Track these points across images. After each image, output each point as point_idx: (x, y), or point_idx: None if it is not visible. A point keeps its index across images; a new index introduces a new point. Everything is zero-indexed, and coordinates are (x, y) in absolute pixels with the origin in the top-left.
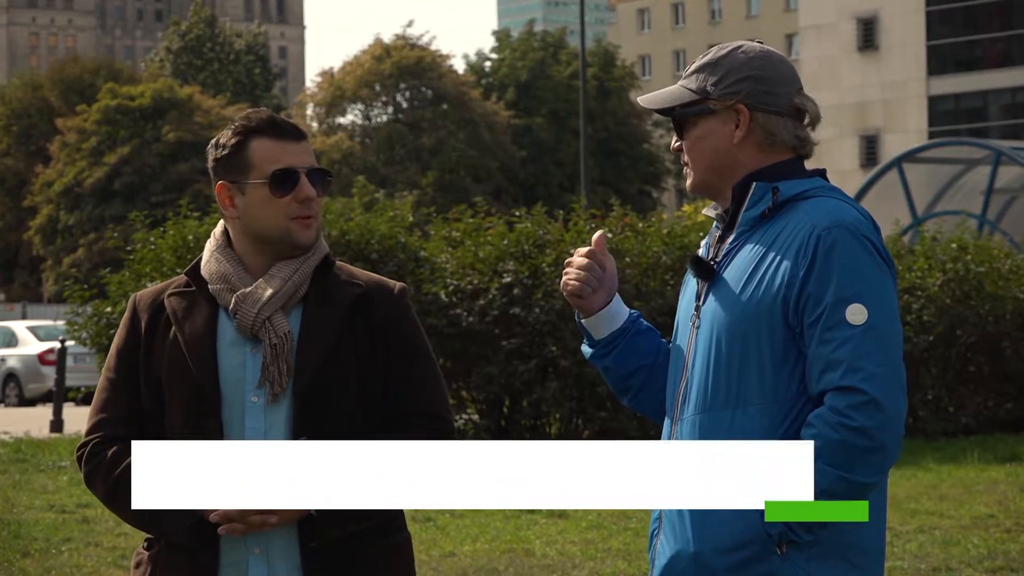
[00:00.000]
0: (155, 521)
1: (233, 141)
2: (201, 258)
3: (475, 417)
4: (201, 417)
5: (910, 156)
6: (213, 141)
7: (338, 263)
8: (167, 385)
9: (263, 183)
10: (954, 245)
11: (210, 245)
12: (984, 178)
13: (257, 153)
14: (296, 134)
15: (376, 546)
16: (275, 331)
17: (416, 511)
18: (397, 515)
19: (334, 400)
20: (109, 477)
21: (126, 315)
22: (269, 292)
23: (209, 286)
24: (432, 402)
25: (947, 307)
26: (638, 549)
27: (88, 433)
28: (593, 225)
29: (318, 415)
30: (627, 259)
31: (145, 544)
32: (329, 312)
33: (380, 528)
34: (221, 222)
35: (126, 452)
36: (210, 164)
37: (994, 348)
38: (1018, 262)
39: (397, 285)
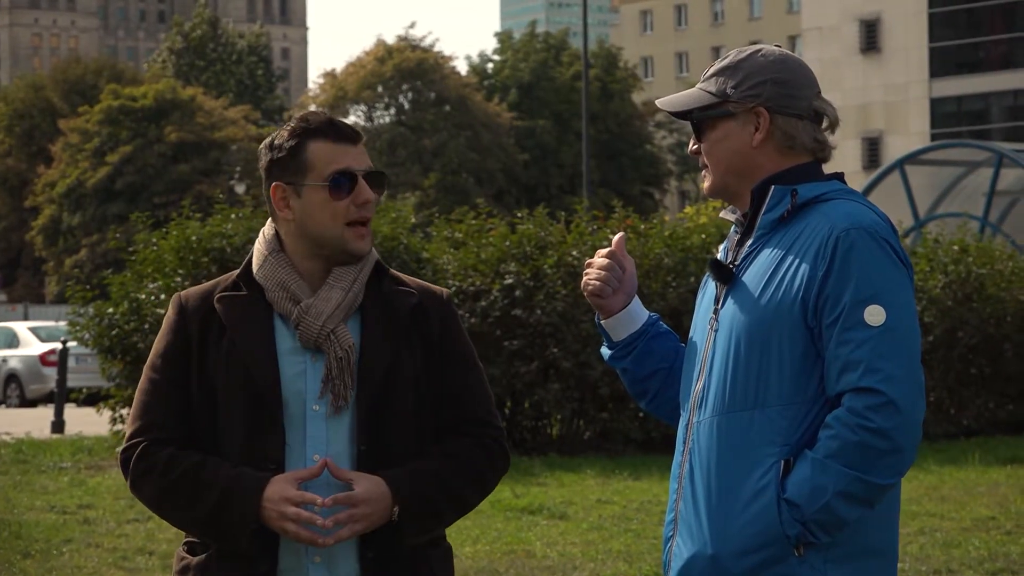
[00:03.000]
0: (213, 525)
1: (291, 143)
2: (251, 259)
3: None
4: (263, 424)
5: (912, 158)
6: (267, 142)
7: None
8: (224, 391)
9: (322, 185)
10: (956, 247)
11: (261, 248)
12: (986, 180)
13: (315, 155)
14: (354, 136)
15: (428, 555)
16: (340, 344)
17: None
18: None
19: (395, 410)
20: (165, 478)
21: (172, 315)
22: (332, 304)
23: (266, 292)
24: (483, 409)
25: (948, 309)
26: (639, 551)
27: (134, 435)
28: (595, 227)
29: (379, 425)
30: None
31: (186, 547)
32: (388, 322)
33: (431, 540)
34: (269, 223)
35: (184, 454)
36: (263, 165)
37: (995, 350)
38: (1020, 264)
39: (445, 292)
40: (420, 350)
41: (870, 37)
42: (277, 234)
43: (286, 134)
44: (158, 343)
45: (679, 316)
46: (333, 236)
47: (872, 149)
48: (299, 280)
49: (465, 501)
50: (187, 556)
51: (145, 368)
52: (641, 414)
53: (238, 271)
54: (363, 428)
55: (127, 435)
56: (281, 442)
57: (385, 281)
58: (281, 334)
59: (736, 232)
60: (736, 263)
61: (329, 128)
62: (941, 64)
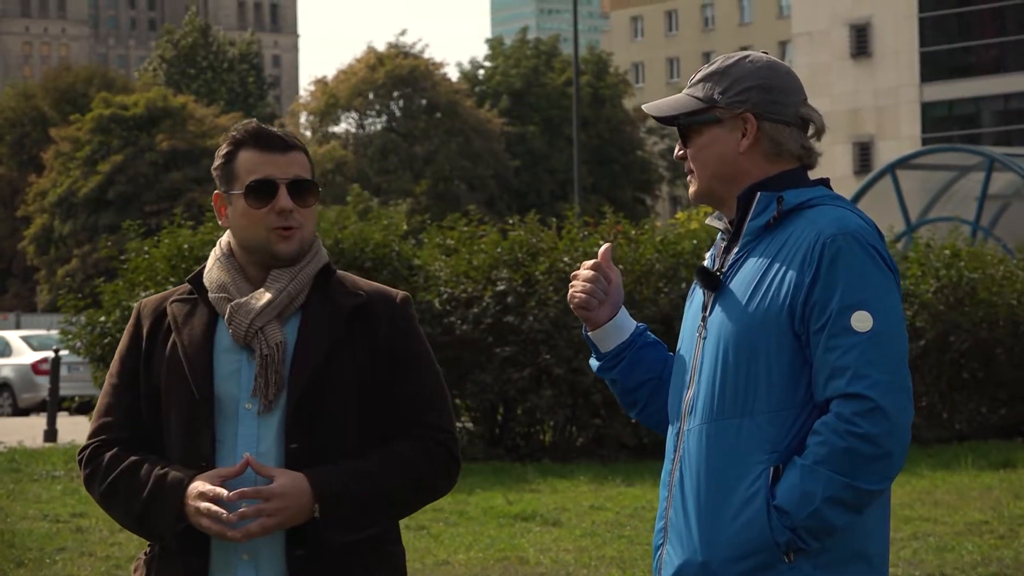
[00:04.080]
0: (145, 525)
1: (224, 152)
2: (205, 265)
3: (469, 425)
4: (196, 422)
5: (903, 163)
6: (216, 151)
7: (341, 273)
8: (165, 390)
9: (243, 193)
10: (947, 251)
11: (215, 253)
12: (977, 184)
13: (242, 164)
14: (282, 145)
15: (364, 556)
16: (267, 341)
17: (410, 520)
18: (392, 527)
19: (328, 410)
20: (105, 480)
21: (130, 321)
22: (263, 302)
23: (209, 294)
24: (433, 413)
25: (940, 313)
26: (632, 557)
27: (90, 437)
28: (586, 233)
29: (310, 424)
30: (620, 267)
31: (147, 550)
32: (326, 321)
33: (373, 538)
34: (228, 231)
35: (124, 455)
36: (213, 173)
37: (988, 354)
38: (1011, 268)
39: (400, 294)
40: (363, 351)
41: (860, 42)
42: (229, 241)
43: (224, 144)
44: (118, 348)
45: (670, 322)
46: (257, 241)
47: (863, 154)
48: (243, 283)
49: (401, 502)
50: (141, 557)
51: (107, 373)
52: (634, 420)
53: (191, 276)
54: (293, 427)
55: (87, 437)
56: (211, 440)
57: (332, 283)
58: (222, 334)
59: (723, 239)
60: (723, 270)
61: (255, 138)
62: (932, 68)
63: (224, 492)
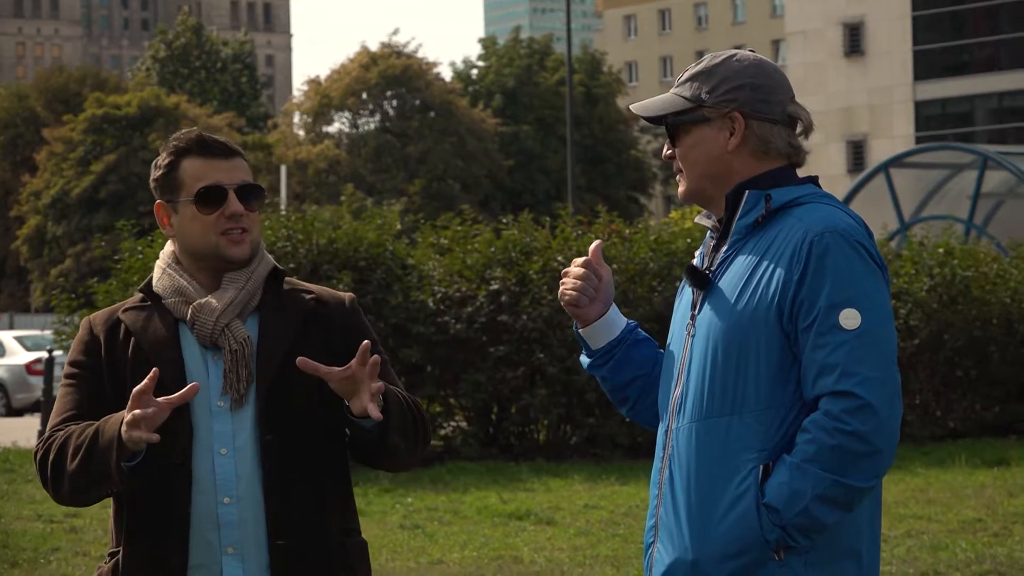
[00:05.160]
0: (94, 472)
1: (166, 161)
2: (152, 276)
3: (463, 424)
4: (171, 422)
5: (897, 161)
6: (153, 162)
7: (286, 277)
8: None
9: (191, 201)
10: (941, 250)
11: (160, 263)
12: (971, 183)
13: (187, 172)
14: (226, 152)
15: (343, 545)
16: (234, 337)
17: (404, 519)
18: (353, 519)
19: (297, 401)
20: (56, 448)
21: (80, 336)
22: (225, 300)
23: (163, 300)
24: (398, 387)
25: (934, 312)
26: (626, 555)
27: (45, 438)
28: (580, 232)
29: (281, 416)
30: (614, 266)
31: (107, 558)
32: (285, 317)
33: (343, 531)
34: (170, 241)
35: (78, 427)
36: (151, 184)
37: (981, 352)
38: (1005, 266)
39: (348, 296)
40: (321, 344)
41: (854, 40)
42: (173, 250)
43: (164, 154)
44: (68, 358)
45: (664, 321)
46: (208, 246)
47: (857, 152)
48: (195, 286)
49: (415, 432)
50: (103, 566)
51: (59, 388)
52: (628, 419)
53: (141, 286)
54: (265, 419)
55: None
56: (189, 439)
57: (283, 284)
58: (185, 338)
59: (712, 238)
60: (712, 269)
61: (198, 145)
62: (925, 67)
63: (156, 398)
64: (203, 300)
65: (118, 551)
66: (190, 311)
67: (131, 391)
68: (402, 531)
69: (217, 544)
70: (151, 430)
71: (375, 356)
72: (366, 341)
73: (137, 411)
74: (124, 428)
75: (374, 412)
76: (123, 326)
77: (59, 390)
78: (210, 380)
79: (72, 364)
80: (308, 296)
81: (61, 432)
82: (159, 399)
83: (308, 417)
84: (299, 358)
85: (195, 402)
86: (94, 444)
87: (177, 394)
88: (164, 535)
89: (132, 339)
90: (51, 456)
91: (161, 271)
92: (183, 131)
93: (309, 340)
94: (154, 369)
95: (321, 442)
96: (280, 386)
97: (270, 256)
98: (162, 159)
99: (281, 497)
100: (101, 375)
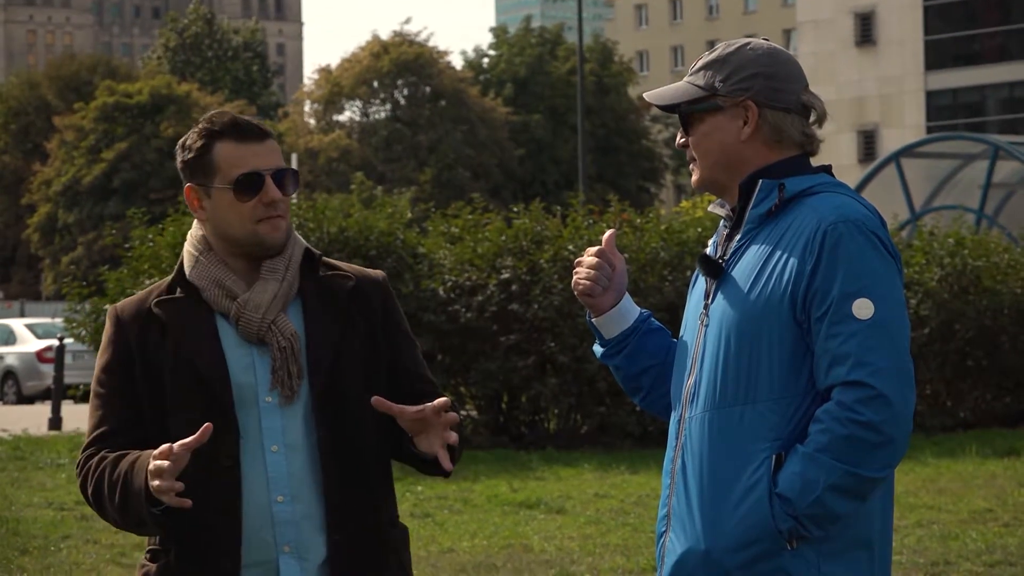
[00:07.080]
0: (130, 516)
1: (198, 144)
2: (183, 263)
3: (474, 413)
4: (216, 422)
5: (908, 151)
6: (180, 142)
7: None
8: (174, 393)
9: (228, 188)
10: (952, 240)
11: (190, 249)
12: (982, 173)
13: (221, 156)
14: (260, 134)
15: (390, 535)
16: (282, 334)
17: (414, 507)
18: (395, 508)
19: (349, 392)
20: (90, 485)
21: (109, 329)
22: (269, 295)
23: (201, 292)
24: (428, 371)
25: (945, 302)
26: (636, 544)
27: (84, 449)
28: (591, 221)
29: (334, 410)
30: (625, 255)
31: (148, 555)
32: (329, 306)
33: (389, 519)
34: (196, 224)
35: (106, 455)
36: (179, 166)
37: (992, 342)
38: (1016, 256)
39: (380, 273)
40: (363, 331)
41: (865, 30)
42: (204, 234)
43: (195, 135)
44: (99, 358)
45: (675, 310)
46: (245, 234)
47: (868, 142)
48: (233, 276)
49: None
50: (148, 564)
51: (92, 385)
52: (638, 408)
53: (171, 276)
54: (319, 414)
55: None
56: (236, 438)
57: (319, 267)
58: (224, 331)
59: (725, 227)
60: (725, 258)
61: (233, 129)
62: (936, 56)
63: (174, 446)
64: (247, 295)
65: (161, 549)
66: (234, 307)
67: (170, 395)
68: (412, 519)
69: (273, 543)
70: (173, 479)
71: (453, 414)
72: (445, 399)
73: (159, 462)
74: (149, 478)
75: (445, 463)
76: (157, 320)
77: (91, 395)
78: (257, 375)
79: (103, 369)
80: (346, 278)
81: (95, 460)
82: (175, 446)
83: (358, 411)
84: (374, 398)
85: (240, 397)
86: (127, 490)
87: (192, 438)
88: (215, 535)
89: (169, 336)
90: (90, 488)
91: (194, 259)
92: (215, 112)
93: (355, 329)
94: (206, 425)
95: (370, 435)
96: (333, 379)
97: (300, 238)
98: (193, 141)
99: (338, 493)
100: (135, 379)
